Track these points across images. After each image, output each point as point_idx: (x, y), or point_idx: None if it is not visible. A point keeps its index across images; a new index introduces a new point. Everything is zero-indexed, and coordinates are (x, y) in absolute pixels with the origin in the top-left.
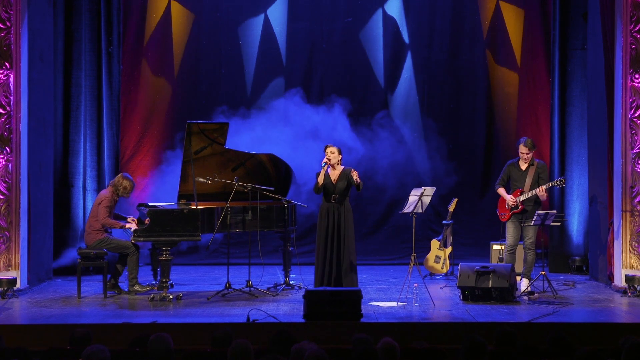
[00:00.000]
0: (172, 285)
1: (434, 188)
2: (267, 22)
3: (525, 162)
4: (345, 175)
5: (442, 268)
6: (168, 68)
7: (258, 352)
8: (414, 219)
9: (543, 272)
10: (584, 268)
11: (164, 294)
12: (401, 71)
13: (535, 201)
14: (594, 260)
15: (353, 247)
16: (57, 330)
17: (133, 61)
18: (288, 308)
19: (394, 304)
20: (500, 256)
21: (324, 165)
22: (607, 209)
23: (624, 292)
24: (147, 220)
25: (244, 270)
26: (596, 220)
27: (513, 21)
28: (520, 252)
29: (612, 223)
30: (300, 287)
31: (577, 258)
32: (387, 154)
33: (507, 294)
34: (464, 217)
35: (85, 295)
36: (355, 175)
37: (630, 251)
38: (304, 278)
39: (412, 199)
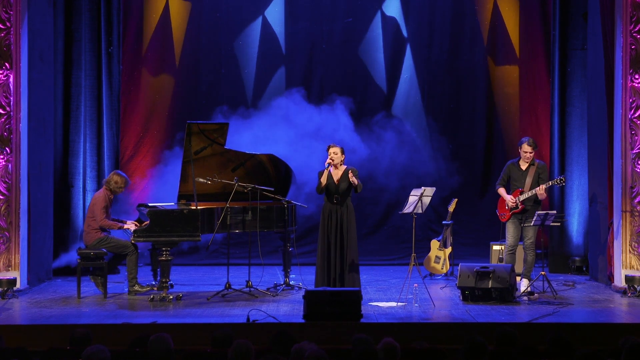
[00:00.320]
0: (172, 286)
1: (434, 188)
2: (266, 22)
3: (526, 162)
4: (347, 176)
5: (442, 268)
6: (168, 68)
7: (258, 352)
8: (414, 219)
9: (543, 273)
10: (584, 268)
11: (163, 294)
12: (401, 71)
13: (535, 201)
14: (593, 261)
15: (355, 247)
16: (57, 331)
17: (133, 61)
18: (288, 308)
19: (394, 304)
20: (500, 256)
21: (327, 166)
22: (607, 209)
23: (623, 292)
24: (144, 224)
25: (244, 271)
26: (596, 221)
27: (513, 21)
28: (520, 252)
29: (612, 223)
30: (300, 288)
31: (577, 258)
32: (387, 154)
33: (507, 294)
34: (464, 217)
35: (85, 296)
36: (352, 177)
37: (630, 251)
38: (303, 278)
39: (412, 199)
